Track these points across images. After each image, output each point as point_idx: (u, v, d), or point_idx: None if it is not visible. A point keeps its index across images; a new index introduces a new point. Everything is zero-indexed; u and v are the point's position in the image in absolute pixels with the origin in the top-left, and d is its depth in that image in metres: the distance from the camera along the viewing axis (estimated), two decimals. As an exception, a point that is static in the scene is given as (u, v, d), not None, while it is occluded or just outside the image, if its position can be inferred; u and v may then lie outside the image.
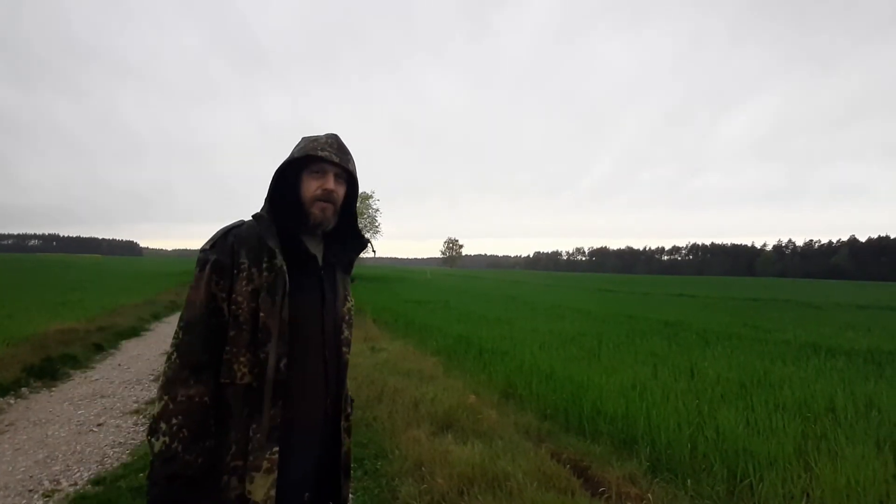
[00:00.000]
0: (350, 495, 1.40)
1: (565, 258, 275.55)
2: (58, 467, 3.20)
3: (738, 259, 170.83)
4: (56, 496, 2.82)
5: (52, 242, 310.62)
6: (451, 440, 3.44)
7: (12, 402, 4.51)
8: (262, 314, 1.11)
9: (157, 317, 10.74)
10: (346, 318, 1.32)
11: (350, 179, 1.28)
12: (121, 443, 3.66)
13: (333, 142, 1.22)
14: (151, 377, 5.59)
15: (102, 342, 7.15)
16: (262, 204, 1.24)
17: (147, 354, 6.87)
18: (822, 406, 4.38)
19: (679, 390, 4.73)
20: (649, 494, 2.78)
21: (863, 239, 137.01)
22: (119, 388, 5.14)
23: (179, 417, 1.04)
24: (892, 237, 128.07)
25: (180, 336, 1.09)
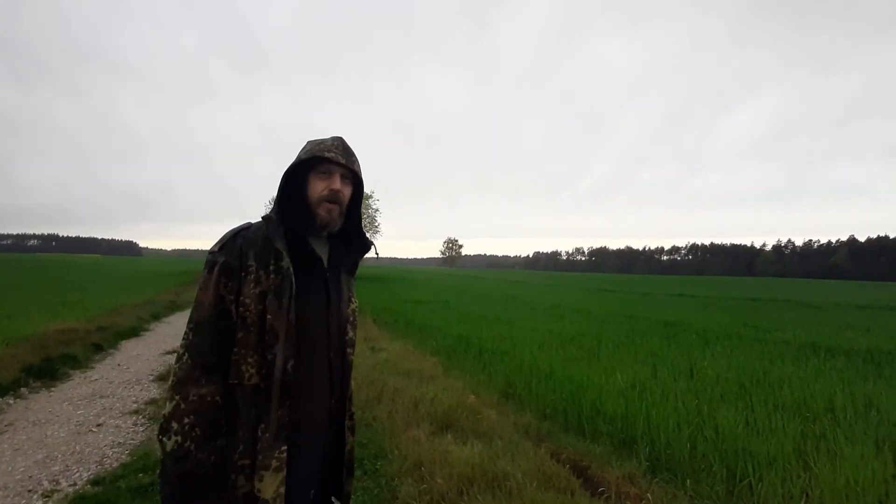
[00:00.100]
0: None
1: (565, 258, 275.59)
2: (57, 467, 3.20)
3: (738, 259, 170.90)
4: (55, 496, 2.82)
5: (52, 242, 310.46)
6: (451, 440, 3.44)
7: (11, 402, 4.51)
8: (269, 316, 1.13)
9: (156, 317, 10.73)
10: (351, 319, 1.34)
11: (356, 181, 1.30)
12: (120, 443, 3.66)
13: (339, 144, 1.25)
14: (151, 377, 5.59)
15: (102, 342, 7.15)
16: (272, 206, 1.25)
17: (147, 354, 6.87)
18: (821, 406, 4.38)
19: (678, 390, 4.73)
20: (649, 494, 2.78)
21: (862, 239, 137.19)
22: (118, 388, 5.14)
23: (191, 417, 1.06)
24: (891, 237, 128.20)
25: (190, 337, 1.11)
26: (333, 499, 1.35)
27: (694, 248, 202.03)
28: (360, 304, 1.45)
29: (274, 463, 1.10)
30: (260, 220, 1.23)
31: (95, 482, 2.99)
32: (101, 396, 4.81)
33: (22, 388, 4.83)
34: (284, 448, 1.12)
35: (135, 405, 4.57)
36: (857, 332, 10.22)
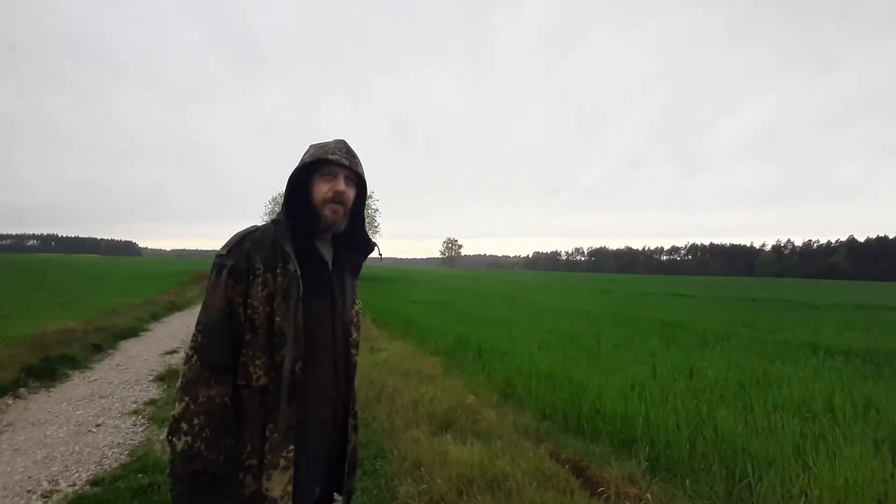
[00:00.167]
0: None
1: (564, 258, 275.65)
2: (56, 468, 3.19)
3: (737, 259, 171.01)
4: (55, 497, 2.81)
5: (51, 242, 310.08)
6: (451, 440, 3.44)
7: (11, 402, 4.50)
8: (277, 318, 1.15)
9: (155, 317, 10.73)
10: (355, 321, 1.37)
11: (359, 182, 1.32)
12: (119, 443, 3.65)
13: (342, 146, 1.28)
14: (150, 378, 5.58)
15: (101, 342, 7.14)
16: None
17: (146, 355, 6.86)
18: (820, 406, 4.39)
19: (678, 390, 4.73)
20: (648, 494, 2.78)
21: (861, 239, 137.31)
22: (118, 388, 5.13)
23: (201, 417, 1.08)
24: (890, 237, 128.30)
25: (199, 339, 1.13)
26: (336, 495, 1.39)
27: (693, 248, 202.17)
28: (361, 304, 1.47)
29: (282, 462, 1.13)
30: (265, 222, 1.26)
31: (95, 482, 2.98)
32: (101, 397, 4.80)
33: (21, 389, 4.83)
34: (292, 447, 1.15)
35: (134, 405, 4.57)
36: (856, 332, 10.23)
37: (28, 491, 2.87)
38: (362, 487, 2.93)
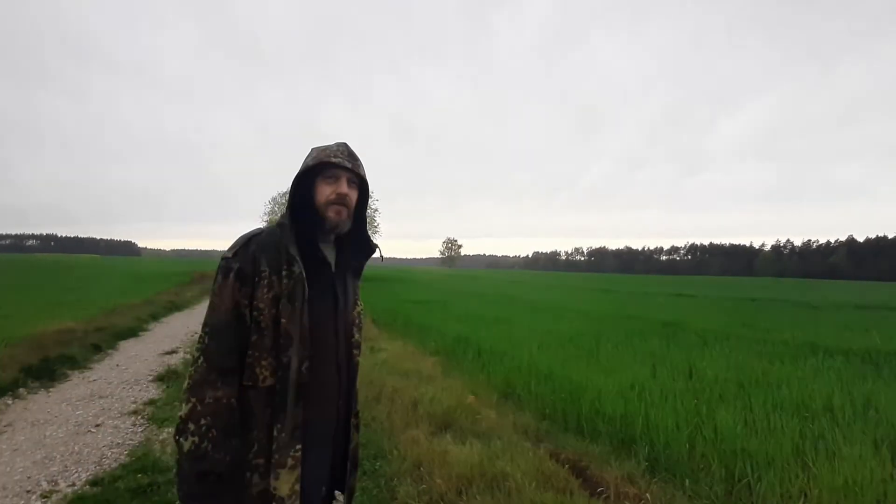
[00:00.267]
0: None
1: (564, 258, 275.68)
2: (56, 468, 3.19)
3: (737, 259, 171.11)
4: (54, 497, 2.81)
5: (50, 242, 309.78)
6: (450, 440, 3.44)
7: (10, 402, 4.50)
8: (283, 320, 1.17)
9: (155, 317, 10.72)
10: (357, 321, 1.39)
11: (361, 184, 1.34)
12: (119, 443, 3.65)
13: (344, 149, 1.29)
14: (150, 378, 5.58)
15: (100, 343, 7.14)
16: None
17: (145, 355, 6.86)
18: (819, 406, 4.39)
19: (677, 390, 4.73)
20: (647, 494, 2.79)
21: (861, 239, 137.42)
22: (117, 388, 5.13)
23: (208, 418, 1.10)
24: (889, 237, 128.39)
25: (206, 341, 1.15)
26: (337, 493, 1.41)
27: (693, 248, 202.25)
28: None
29: (289, 461, 1.15)
30: (267, 224, 1.29)
31: (94, 483, 2.98)
32: (100, 397, 4.80)
33: (20, 389, 4.82)
34: (299, 447, 1.17)
35: (133, 406, 4.56)
36: (855, 332, 10.23)
37: (27, 491, 2.87)
38: (362, 487, 2.93)
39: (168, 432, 3.86)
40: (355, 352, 1.37)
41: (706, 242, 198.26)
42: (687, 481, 3.01)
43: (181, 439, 1.10)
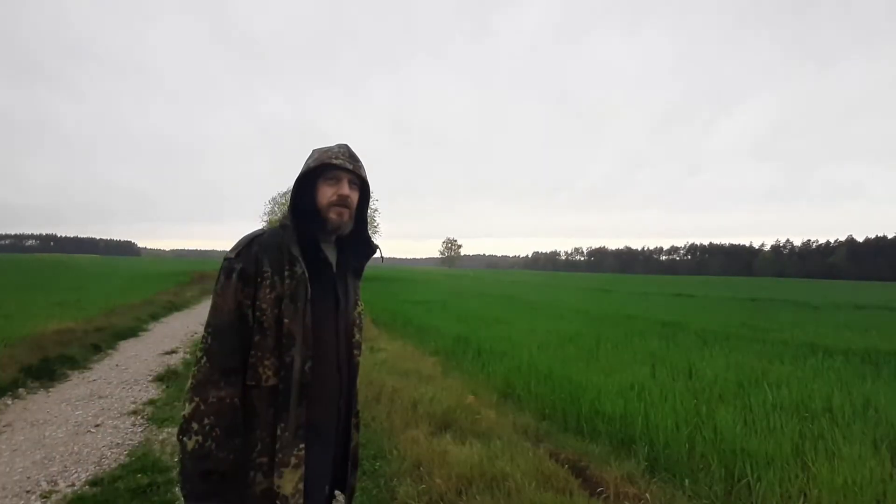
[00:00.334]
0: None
1: (564, 258, 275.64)
2: (55, 468, 3.19)
3: (737, 259, 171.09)
4: (53, 497, 2.81)
5: (50, 242, 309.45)
6: (450, 440, 3.44)
7: (9, 402, 4.50)
8: (286, 320, 1.18)
9: (155, 317, 10.71)
10: (357, 322, 1.40)
11: (362, 186, 1.35)
12: (118, 444, 3.65)
13: (345, 151, 1.30)
14: (149, 378, 5.58)
15: (100, 343, 7.13)
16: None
17: (145, 355, 6.85)
18: (819, 406, 4.39)
19: (677, 390, 4.73)
20: (647, 494, 2.79)
21: (860, 239, 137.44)
22: (117, 388, 5.13)
23: (212, 417, 1.12)
24: (889, 237, 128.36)
25: (209, 341, 1.17)
26: (336, 492, 1.42)
27: (692, 248, 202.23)
28: (359, 304, 1.48)
29: (293, 460, 1.17)
30: (267, 225, 1.29)
31: (94, 483, 2.98)
32: (100, 397, 4.80)
33: (20, 389, 4.82)
34: (302, 446, 1.19)
35: (133, 406, 4.56)
36: (855, 332, 10.24)
37: (27, 491, 2.87)
38: (362, 487, 2.93)
39: (168, 432, 3.86)
40: (356, 352, 1.39)
41: (706, 242, 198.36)
42: (687, 481, 3.01)
43: (185, 438, 1.11)
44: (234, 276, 1.18)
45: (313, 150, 1.32)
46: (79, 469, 3.19)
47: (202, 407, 1.11)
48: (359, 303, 1.43)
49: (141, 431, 3.92)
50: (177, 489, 2.90)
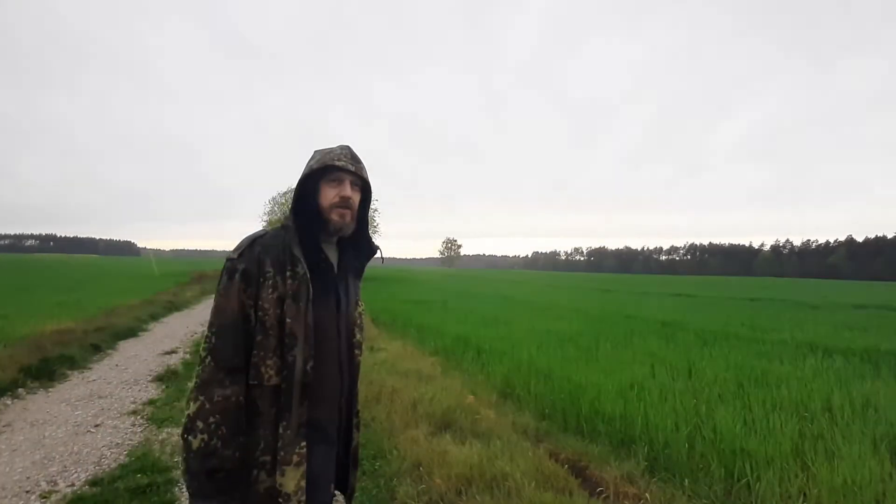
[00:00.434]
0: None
1: (563, 258, 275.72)
2: (55, 468, 3.19)
3: (736, 259, 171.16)
4: (53, 497, 2.81)
5: (49, 242, 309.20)
6: (450, 440, 3.44)
7: (9, 402, 4.49)
8: (288, 320, 1.19)
9: (154, 317, 10.71)
10: (358, 322, 1.42)
11: (364, 187, 1.36)
12: (118, 444, 3.65)
13: (347, 152, 1.31)
14: (149, 378, 5.58)
15: (100, 343, 7.13)
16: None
17: (144, 355, 6.85)
18: (819, 405, 4.40)
19: (677, 390, 4.74)
20: (647, 494, 2.79)
21: (860, 239, 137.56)
22: (117, 388, 5.13)
23: (217, 416, 1.13)
24: (888, 237, 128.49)
25: (213, 341, 1.18)
26: (336, 491, 1.42)
27: (692, 248, 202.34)
28: (359, 304, 1.49)
29: (295, 458, 1.18)
30: (267, 225, 1.29)
31: (93, 483, 2.98)
32: (99, 397, 4.80)
33: (19, 389, 4.82)
34: (304, 444, 1.20)
35: (133, 406, 4.56)
36: (854, 331, 10.24)
37: (27, 491, 2.87)
38: (362, 487, 2.93)
39: (167, 432, 3.86)
40: (357, 352, 1.40)
41: (705, 242, 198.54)
42: (686, 481, 3.01)
43: (189, 437, 1.12)
44: (237, 276, 1.20)
45: (315, 152, 1.33)
46: (78, 469, 3.19)
47: (207, 406, 1.12)
48: (360, 303, 1.45)
49: (141, 431, 3.92)
50: (176, 489, 2.90)
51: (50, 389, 5.00)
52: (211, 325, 1.19)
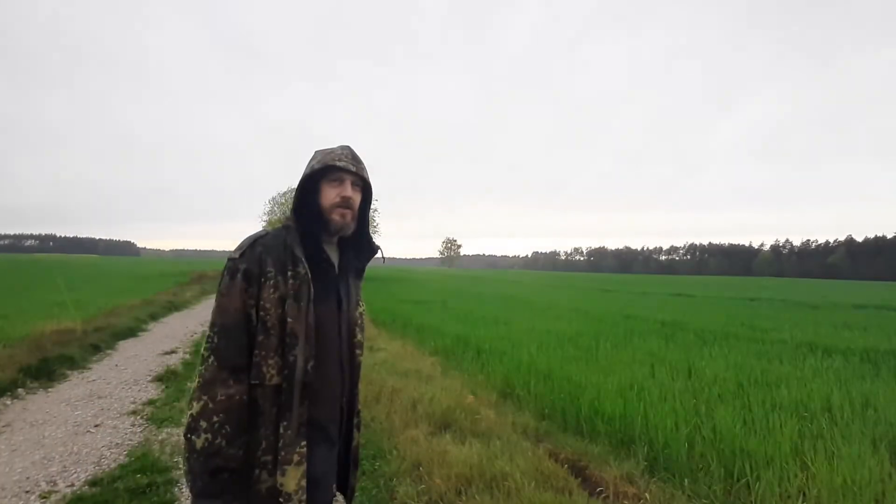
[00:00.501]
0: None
1: (563, 258, 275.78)
2: (55, 468, 3.19)
3: (736, 259, 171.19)
4: (53, 497, 2.81)
5: (49, 243, 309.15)
6: (449, 440, 3.44)
7: (9, 402, 4.49)
8: (289, 320, 1.20)
9: (154, 317, 10.71)
10: (359, 322, 1.42)
11: (365, 187, 1.37)
12: (118, 444, 3.65)
13: (348, 152, 1.32)
14: (149, 378, 5.58)
15: (99, 343, 7.13)
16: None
17: (144, 355, 6.85)
18: (818, 405, 4.40)
19: (676, 390, 4.74)
20: (647, 494, 2.79)
21: (859, 239, 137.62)
22: (116, 388, 5.13)
23: (221, 415, 1.13)
24: (888, 237, 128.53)
25: (216, 341, 1.18)
26: (336, 491, 1.44)
27: (692, 248, 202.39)
28: (359, 304, 1.49)
29: (295, 458, 1.18)
30: (268, 226, 1.30)
31: (93, 483, 2.98)
32: (99, 397, 4.80)
33: (19, 389, 4.82)
34: (304, 443, 1.20)
35: (132, 406, 4.56)
36: (854, 331, 10.25)
37: (26, 491, 2.87)
38: (361, 487, 2.93)
39: (167, 432, 3.86)
40: (358, 351, 1.41)
41: (705, 242, 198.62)
42: (686, 481, 3.01)
43: (193, 437, 1.12)
44: (239, 276, 1.20)
45: (316, 152, 1.34)
46: (78, 469, 3.19)
47: (210, 405, 1.13)
48: (360, 303, 1.45)
49: (140, 431, 3.92)
50: (176, 489, 2.90)
51: (49, 389, 5.00)
52: (213, 324, 1.19)
